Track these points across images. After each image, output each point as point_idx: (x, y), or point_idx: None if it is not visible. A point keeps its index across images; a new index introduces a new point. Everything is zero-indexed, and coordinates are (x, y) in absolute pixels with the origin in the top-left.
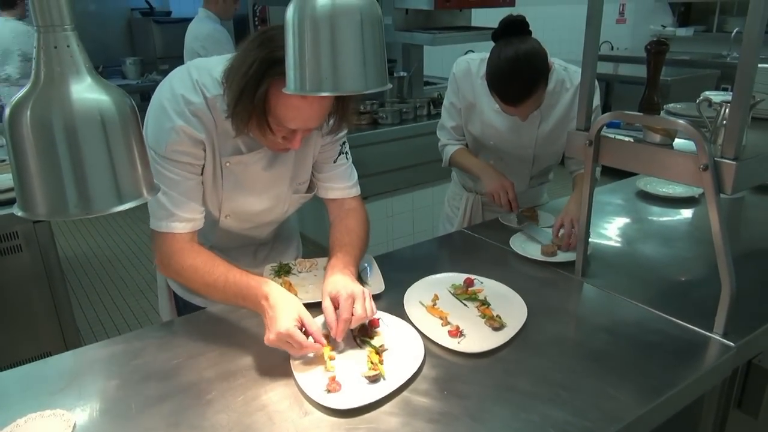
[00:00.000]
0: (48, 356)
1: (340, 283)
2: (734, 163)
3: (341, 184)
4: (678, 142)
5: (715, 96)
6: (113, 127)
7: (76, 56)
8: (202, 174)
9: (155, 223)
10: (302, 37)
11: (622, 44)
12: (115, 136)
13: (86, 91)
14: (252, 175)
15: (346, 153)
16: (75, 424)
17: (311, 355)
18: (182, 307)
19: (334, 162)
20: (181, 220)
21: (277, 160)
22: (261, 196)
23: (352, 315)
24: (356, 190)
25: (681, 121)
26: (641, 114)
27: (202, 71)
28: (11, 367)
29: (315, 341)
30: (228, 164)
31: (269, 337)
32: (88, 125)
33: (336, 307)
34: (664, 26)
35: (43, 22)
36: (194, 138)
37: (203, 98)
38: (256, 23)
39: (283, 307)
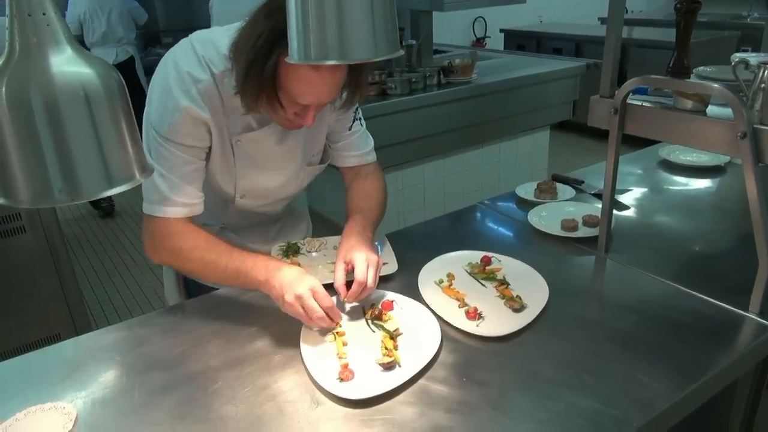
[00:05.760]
0: (57, 338)
1: (355, 249)
2: None
3: (357, 151)
4: (711, 108)
5: (753, 57)
6: (99, 103)
7: (53, 24)
8: (207, 159)
9: (148, 206)
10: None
11: (636, 7)
12: (102, 113)
13: (67, 64)
14: (265, 151)
15: (360, 119)
16: (77, 416)
17: (327, 339)
18: (194, 288)
19: (349, 129)
20: (177, 205)
21: (289, 133)
22: (275, 172)
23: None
24: (372, 156)
25: (716, 86)
26: (672, 78)
27: (207, 45)
28: (21, 350)
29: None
30: (239, 142)
31: (286, 299)
32: (70, 102)
33: (349, 272)
34: None
35: None
36: (199, 119)
37: (210, 75)
38: None
39: (301, 274)
